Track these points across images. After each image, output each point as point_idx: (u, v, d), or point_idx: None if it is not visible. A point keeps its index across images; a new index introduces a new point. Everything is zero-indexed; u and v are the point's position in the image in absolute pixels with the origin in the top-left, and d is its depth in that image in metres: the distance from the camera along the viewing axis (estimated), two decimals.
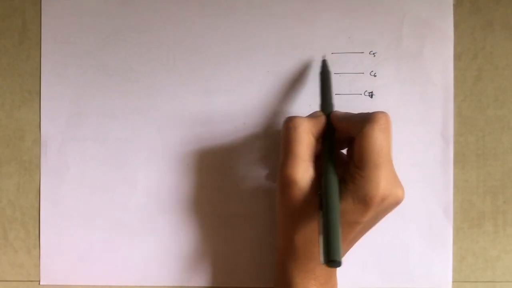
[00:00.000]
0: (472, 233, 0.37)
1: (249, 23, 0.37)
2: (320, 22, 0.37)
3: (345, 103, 0.37)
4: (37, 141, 0.38)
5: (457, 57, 0.37)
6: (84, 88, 0.38)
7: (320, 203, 0.30)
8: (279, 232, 0.33)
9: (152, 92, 0.38)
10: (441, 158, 0.37)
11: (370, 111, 0.36)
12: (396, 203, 0.30)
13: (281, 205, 0.32)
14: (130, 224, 0.38)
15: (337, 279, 0.34)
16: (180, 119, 0.38)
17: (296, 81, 0.37)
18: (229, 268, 0.38)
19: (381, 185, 0.29)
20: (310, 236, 0.31)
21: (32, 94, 0.38)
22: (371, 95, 0.37)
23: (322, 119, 0.32)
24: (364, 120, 0.30)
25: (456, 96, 0.37)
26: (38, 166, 0.38)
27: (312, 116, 0.33)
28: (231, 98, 0.37)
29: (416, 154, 0.37)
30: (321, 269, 0.32)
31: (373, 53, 0.37)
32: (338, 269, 0.35)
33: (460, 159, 0.37)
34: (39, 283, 0.38)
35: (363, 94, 0.37)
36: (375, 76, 0.37)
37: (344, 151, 0.35)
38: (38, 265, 0.38)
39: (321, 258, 0.27)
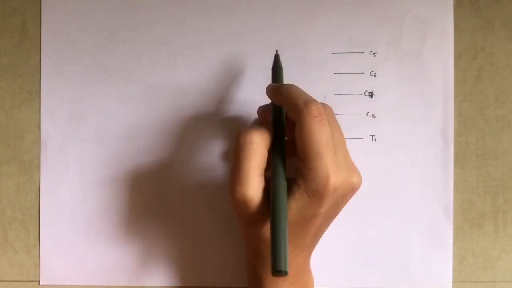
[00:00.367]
0: (472, 233, 0.37)
1: (248, 23, 0.37)
2: (320, 22, 0.37)
3: (345, 103, 0.37)
4: (37, 141, 0.38)
5: (457, 57, 0.37)
6: (84, 88, 0.38)
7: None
8: (243, 241, 0.33)
9: (152, 92, 0.38)
10: (441, 158, 0.37)
11: (370, 111, 0.37)
12: (352, 190, 0.30)
13: (239, 220, 0.31)
14: (129, 224, 0.38)
15: (311, 274, 0.34)
16: (180, 119, 0.38)
17: (296, 82, 0.37)
18: (229, 268, 0.38)
19: (329, 174, 0.28)
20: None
21: (32, 94, 0.38)
22: (371, 95, 0.37)
23: (268, 126, 0.31)
24: (297, 111, 0.29)
25: (456, 96, 0.37)
26: (38, 166, 0.38)
27: (261, 124, 0.31)
28: (231, 98, 0.37)
29: (416, 154, 0.37)
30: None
31: (373, 53, 0.37)
32: (338, 268, 0.35)
33: (460, 159, 0.37)
34: (39, 283, 0.38)
35: (363, 94, 0.37)
36: (375, 76, 0.37)
37: None
38: (38, 265, 0.38)
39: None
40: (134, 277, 0.38)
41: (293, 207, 0.29)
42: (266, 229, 0.29)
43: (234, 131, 0.37)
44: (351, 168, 0.30)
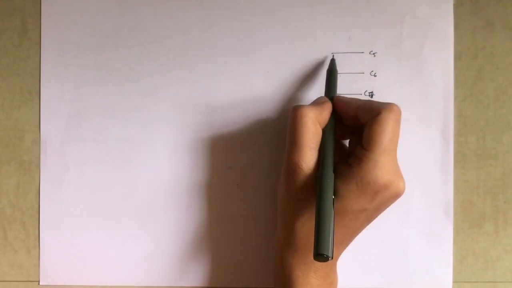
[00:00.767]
0: (473, 233, 0.37)
1: (249, 23, 0.37)
2: (320, 22, 0.37)
3: None
4: (37, 141, 0.38)
5: (457, 57, 0.37)
6: (84, 88, 0.38)
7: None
8: (280, 223, 0.33)
9: (152, 92, 0.38)
10: (441, 158, 0.37)
11: None
12: (397, 194, 0.31)
13: (285, 193, 0.32)
14: (129, 224, 0.38)
15: (337, 276, 0.34)
16: (180, 119, 0.38)
17: (296, 81, 0.37)
18: (229, 268, 0.38)
19: (386, 170, 0.30)
20: (311, 225, 0.31)
21: (32, 94, 0.38)
22: (371, 95, 0.37)
23: (328, 106, 0.33)
24: (381, 107, 0.30)
25: (456, 96, 0.37)
26: (38, 166, 0.38)
27: (317, 103, 0.33)
28: (231, 98, 0.37)
29: (416, 154, 0.37)
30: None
31: (373, 53, 0.37)
32: (338, 268, 0.35)
33: (460, 159, 0.37)
34: (39, 283, 0.38)
35: (363, 94, 0.37)
36: (375, 76, 0.37)
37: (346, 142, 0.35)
38: (38, 265, 0.38)
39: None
40: (134, 277, 0.38)
41: (343, 193, 0.30)
42: (307, 208, 0.31)
43: (234, 130, 0.37)
44: (400, 173, 0.31)
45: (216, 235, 0.38)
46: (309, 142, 0.31)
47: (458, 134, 0.37)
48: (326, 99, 0.33)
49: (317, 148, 0.31)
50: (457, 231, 0.37)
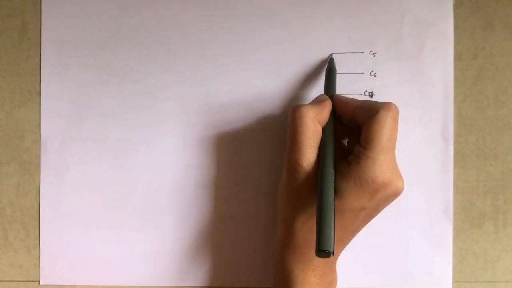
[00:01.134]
0: (472, 233, 0.37)
1: (249, 23, 0.37)
2: (320, 22, 0.37)
3: None
4: (37, 141, 0.38)
5: (457, 57, 0.37)
6: (84, 88, 0.38)
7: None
8: (280, 221, 0.34)
9: (152, 92, 0.38)
10: (441, 158, 0.37)
11: None
12: (396, 193, 0.31)
13: (285, 191, 0.32)
14: (129, 224, 0.38)
15: (337, 275, 0.34)
16: (180, 119, 0.38)
17: (296, 81, 0.37)
18: (229, 268, 0.38)
19: (385, 168, 0.30)
20: (311, 224, 0.31)
21: (32, 94, 0.38)
22: (371, 95, 0.37)
23: (327, 104, 0.33)
24: (379, 106, 0.31)
25: (456, 96, 0.37)
26: (38, 166, 0.38)
27: (317, 101, 0.33)
28: (231, 98, 0.37)
29: (416, 154, 0.37)
30: (319, 260, 0.32)
31: (373, 53, 0.37)
32: (338, 268, 0.35)
33: (460, 159, 0.37)
34: (39, 283, 0.38)
35: (363, 94, 0.37)
36: (375, 76, 0.37)
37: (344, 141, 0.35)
38: (38, 265, 0.38)
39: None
40: (134, 277, 0.38)
41: (342, 191, 0.30)
42: (306, 207, 0.31)
43: (234, 130, 0.37)
44: (398, 172, 0.31)
45: (216, 235, 0.38)
46: (309, 141, 0.31)
47: (458, 134, 0.37)
48: (326, 97, 0.34)
49: (317, 147, 0.32)
50: (457, 231, 0.37)
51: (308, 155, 0.31)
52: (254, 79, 0.37)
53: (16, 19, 0.38)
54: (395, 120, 0.31)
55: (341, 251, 0.33)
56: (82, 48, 0.38)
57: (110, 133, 0.38)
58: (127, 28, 0.38)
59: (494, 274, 0.37)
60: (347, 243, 0.33)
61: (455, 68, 0.37)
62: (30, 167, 0.38)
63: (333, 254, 0.27)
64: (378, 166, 0.30)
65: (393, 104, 0.31)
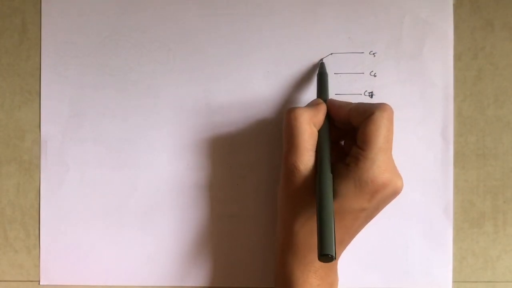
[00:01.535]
0: (472, 233, 0.37)
1: (249, 23, 0.37)
2: (320, 22, 0.37)
3: None
4: (37, 141, 0.38)
5: (457, 57, 0.37)
6: (84, 88, 0.38)
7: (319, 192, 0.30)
8: (279, 224, 0.34)
9: (152, 92, 0.38)
10: (441, 158, 0.37)
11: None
12: (395, 192, 0.31)
13: (284, 194, 0.32)
14: (130, 224, 0.38)
15: (337, 275, 0.34)
16: (180, 119, 0.38)
17: (296, 81, 0.37)
18: (229, 268, 0.38)
19: (384, 168, 0.30)
20: (310, 226, 0.31)
21: (32, 94, 0.38)
22: (371, 95, 0.37)
23: (322, 107, 0.33)
24: (374, 107, 0.31)
25: (456, 96, 0.37)
26: (38, 166, 0.38)
27: (312, 104, 0.33)
28: (231, 98, 0.37)
29: (416, 154, 0.37)
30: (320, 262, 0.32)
31: (373, 53, 0.37)
32: (338, 268, 0.35)
33: (460, 159, 0.37)
34: (39, 283, 0.38)
35: (363, 94, 0.37)
36: (375, 76, 0.37)
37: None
38: (38, 265, 0.38)
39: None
40: (134, 277, 0.38)
41: (341, 193, 0.30)
42: (306, 209, 0.31)
43: (235, 130, 0.37)
44: (397, 171, 0.31)
45: (216, 235, 0.38)
46: (306, 143, 0.31)
47: (458, 134, 0.37)
48: (321, 101, 0.34)
49: (313, 149, 0.32)
50: (457, 231, 0.37)
51: (305, 158, 0.31)
52: (254, 79, 0.37)
53: (16, 19, 0.38)
54: (391, 120, 0.31)
55: (342, 252, 0.33)
56: (82, 48, 0.38)
57: (110, 133, 0.38)
58: (127, 28, 0.38)
59: (494, 274, 0.37)
60: (347, 244, 0.33)
61: (455, 68, 0.37)
62: (30, 167, 0.38)
63: (335, 258, 0.27)
64: (377, 167, 0.30)
65: (388, 104, 0.31)
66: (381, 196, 0.30)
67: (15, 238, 0.38)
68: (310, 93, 0.37)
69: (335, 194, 0.30)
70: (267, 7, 0.37)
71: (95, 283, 0.38)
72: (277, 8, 0.37)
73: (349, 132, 0.34)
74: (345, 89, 0.37)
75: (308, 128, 0.31)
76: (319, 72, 0.36)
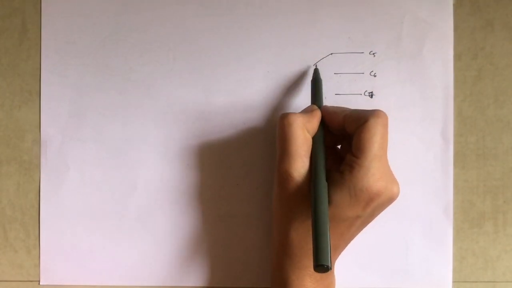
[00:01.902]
0: (472, 233, 0.37)
1: (249, 23, 0.37)
2: (320, 22, 0.37)
3: (345, 103, 0.37)
4: (37, 141, 0.38)
5: (457, 57, 0.37)
6: (84, 88, 0.38)
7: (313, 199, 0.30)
8: (275, 229, 0.34)
9: (152, 92, 0.38)
10: (441, 158, 0.37)
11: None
12: (391, 199, 0.31)
13: (278, 200, 0.32)
14: (130, 224, 0.38)
15: (334, 276, 0.34)
16: (180, 119, 0.38)
17: (296, 82, 0.37)
18: (228, 268, 0.38)
19: (378, 176, 0.30)
20: (305, 232, 0.31)
21: (32, 94, 0.38)
22: (371, 95, 0.37)
23: (316, 114, 0.33)
24: (368, 114, 0.30)
25: (456, 96, 0.37)
26: (38, 166, 0.38)
27: (306, 111, 0.33)
28: (231, 98, 0.37)
29: (416, 154, 0.37)
30: None
31: (373, 53, 0.37)
32: (338, 268, 0.35)
33: (460, 159, 0.37)
34: (39, 283, 0.38)
35: (363, 94, 0.37)
36: (375, 76, 0.37)
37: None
38: (38, 265, 0.38)
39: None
40: (134, 277, 0.38)
41: (336, 201, 0.30)
42: (300, 215, 0.31)
43: (235, 130, 0.37)
44: (393, 177, 0.31)
45: (216, 235, 0.38)
46: (299, 150, 0.31)
47: (458, 134, 0.37)
48: (315, 107, 0.33)
49: (307, 156, 0.31)
50: (457, 231, 0.37)
51: (298, 164, 0.31)
52: (254, 79, 0.37)
53: (16, 19, 0.38)
54: (385, 127, 0.30)
55: (337, 257, 0.33)
56: (82, 48, 0.38)
57: (110, 133, 0.38)
58: (127, 28, 0.38)
59: (494, 274, 0.37)
60: (343, 250, 0.33)
61: (455, 68, 0.37)
62: (30, 167, 0.38)
63: (331, 268, 0.27)
64: (372, 175, 0.29)
65: (382, 111, 0.31)
66: (376, 203, 0.30)
67: (15, 238, 0.38)
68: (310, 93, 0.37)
69: (329, 202, 0.30)
70: (267, 7, 0.37)
71: (95, 283, 0.38)
72: (277, 8, 0.37)
73: (344, 139, 0.33)
74: (345, 89, 0.37)
75: (302, 134, 0.31)
76: (313, 78, 0.36)
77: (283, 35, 0.37)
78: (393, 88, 0.37)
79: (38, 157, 0.38)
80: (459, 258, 0.37)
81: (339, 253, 0.33)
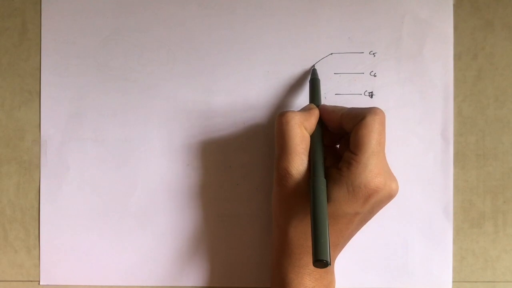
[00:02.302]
0: (472, 233, 0.37)
1: (249, 23, 0.37)
2: (320, 22, 0.37)
3: (345, 103, 0.37)
4: (37, 141, 0.38)
5: (457, 57, 0.37)
6: (84, 88, 0.38)
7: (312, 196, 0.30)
8: (274, 227, 0.34)
9: (152, 92, 0.38)
10: (441, 158, 0.37)
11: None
12: (390, 196, 0.31)
13: (277, 198, 0.32)
14: (130, 224, 0.38)
15: (334, 276, 0.34)
16: (180, 119, 0.38)
17: (296, 81, 0.37)
18: (228, 268, 0.38)
19: (376, 172, 0.30)
20: (304, 229, 0.31)
21: (32, 94, 0.38)
22: (371, 95, 0.37)
23: (314, 112, 0.33)
24: (365, 112, 0.31)
25: (456, 96, 0.37)
26: (38, 166, 0.38)
27: (304, 109, 0.33)
28: (231, 98, 0.37)
29: (416, 154, 0.37)
30: None
31: (373, 53, 0.37)
32: (338, 268, 0.35)
33: (460, 159, 0.37)
34: (39, 283, 0.38)
35: (363, 94, 0.37)
36: (375, 76, 0.37)
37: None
38: (38, 265, 0.38)
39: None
40: (134, 277, 0.38)
41: (334, 198, 0.30)
42: (299, 213, 0.31)
43: (235, 130, 0.37)
44: (391, 174, 0.31)
45: (215, 235, 0.38)
46: (298, 147, 0.31)
47: (458, 134, 0.37)
48: (313, 106, 0.34)
49: (306, 153, 0.31)
50: (457, 231, 0.37)
51: (297, 162, 0.31)
52: (254, 79, 0.37)
53: (16, 19, 0.38)
54: (382, 124, 0.31)
55: (338, 255, 0.33)
56: (82, 48, 0.38)
57: (110, 133, 0.38)
58: (127, 28, 0.38)
59: (494, 274, 0.37)
60: (343, 247, 0.33)
61: (455, 68, 0.37)
62: (30, 167, 0.38)
63: (330, 263, 0.27)
64: (370, 171, 0.30)
65: (379, 108, 0.31)
66: (374, 200, 0.30)
67: (15, 238, 0.38)
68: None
69: (328, 199, 0.30)
70: (267, 7, 0.37)
71: (95, 283, 0.38)
72: (277, 8, 0.37)
73: (342, 138, 0.34)
74: (345, 89, 0.37)
75: (299, 132, 0.31)
76: (311, 78, 0.36)
77: (283, 35, 0.37)
78: (393, 88, 0.37)
79: (38, 157, 0.38)
80: (459, 258, 0.37)
81: (339, 251, 0.33)
